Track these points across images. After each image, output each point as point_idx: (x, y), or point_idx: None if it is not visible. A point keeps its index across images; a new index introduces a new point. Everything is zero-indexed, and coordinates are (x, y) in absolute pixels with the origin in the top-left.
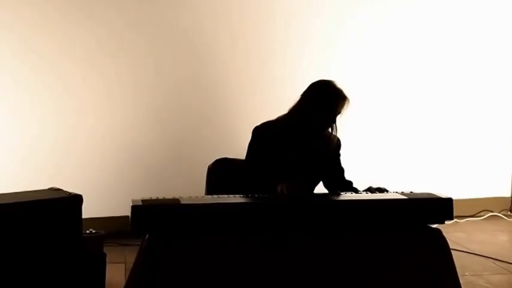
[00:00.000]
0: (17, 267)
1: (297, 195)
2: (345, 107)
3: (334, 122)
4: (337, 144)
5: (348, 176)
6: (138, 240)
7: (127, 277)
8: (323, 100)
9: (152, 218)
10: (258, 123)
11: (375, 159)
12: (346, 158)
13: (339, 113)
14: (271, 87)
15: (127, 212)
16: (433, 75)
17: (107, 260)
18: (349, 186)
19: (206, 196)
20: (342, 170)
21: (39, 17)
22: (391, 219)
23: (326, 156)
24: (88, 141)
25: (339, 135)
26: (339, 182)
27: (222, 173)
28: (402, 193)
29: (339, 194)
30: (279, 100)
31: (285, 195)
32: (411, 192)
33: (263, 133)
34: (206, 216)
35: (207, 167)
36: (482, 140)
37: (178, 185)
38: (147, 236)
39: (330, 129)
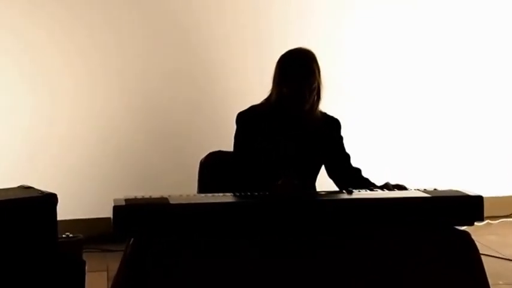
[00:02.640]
0: None
1: (293, 194)
2: (303, 68)
3: (304, 91)
4: (335, 125)
5: (364, 173)
6: (121, 245)
7: (109, 287)
8: (278, 70)
9: (137, 220)
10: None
11: (395, 154)
12: (361, 155)
13: (301, 78)
14: (268, 78)
15: (109, 213)
16: (454, 70)
17: (87, 268)
18: (358, 175)
19: (198, 194)
20: (346, 156)
21: None
22: (411, 221)
23: (323, 139)
24: (65, 133)
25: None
26: (344, 169)
27: (216, 168)
28: (425, 190)
29: (351, 192)
30: None
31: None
32: (435, 189)
33: (248, 118)
34: (199, 217)
35: (199, 161)
36: None
37: (167, 183)
38: (132, 240)
39: (315, 106)
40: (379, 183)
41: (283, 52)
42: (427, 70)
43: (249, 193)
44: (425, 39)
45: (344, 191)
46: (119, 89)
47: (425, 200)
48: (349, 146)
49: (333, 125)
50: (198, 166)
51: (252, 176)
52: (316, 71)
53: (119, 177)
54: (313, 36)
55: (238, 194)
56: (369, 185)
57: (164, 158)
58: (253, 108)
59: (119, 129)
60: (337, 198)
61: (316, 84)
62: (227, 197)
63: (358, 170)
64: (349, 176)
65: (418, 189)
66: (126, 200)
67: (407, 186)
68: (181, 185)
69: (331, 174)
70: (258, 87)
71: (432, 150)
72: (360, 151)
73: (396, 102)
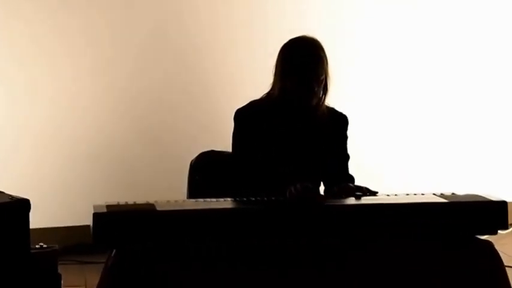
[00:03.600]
0: None
1: (307, 198)
2: (310, 57)
3: (311, 83)
4: (343, 122)
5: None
6: (102, 257)
7: None
8: (281, 61)
9: (120, 229)
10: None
11: (403, 157)
12: (363, 157)
13: (308, 69)
14: (260, 79)
15: (88, 220)
16: (465, 69)
17: (62, 282)
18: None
19: (188, 200)
20: (345, 157)
21: None
22: (428, 230)
23: (328, 136)
24: (41, 133)
25: (344, 111)
26: (339, 172)
27: (208, 169)
28: (442, 195)
29: (359, 197)
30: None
31: (295, 197)
32: (453, 193)
33: (248, 115)
34: (189, 225)
35: (189, 163)
36: None
37: (153, 187)
38: (114, 251)
39: (321, 99)
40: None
41: (275, 51)
42: (436, 69)
43: (254, 198)
44: (430, 39)
45: (352, 197)
46: (102, 88)
47: (443, 206)
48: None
49: (340, 121)
50: (187, 168)
51: (253, 178)
52: (324, 61)
53: (100, 182)
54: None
55: (234, 199)
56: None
57: (150, 160)
58: (253, 104)
59: (101, 129)
60: (345, 204)
61: (324, 75)
62: (222, 203)
63: (352, 178)
64: (342, 180)
65: (434, 194)
66: (107, 206)
67: (415, 191)
68: (169, 190)
69: (323, 174)
70: (249, 90)
71: (447, 151)
72: (362, 153)
73: (404, 103)
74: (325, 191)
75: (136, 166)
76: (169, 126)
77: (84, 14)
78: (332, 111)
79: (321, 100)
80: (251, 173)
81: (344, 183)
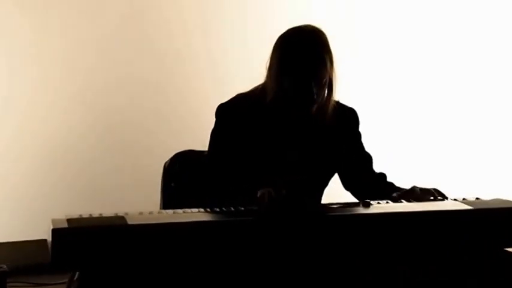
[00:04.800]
0: None
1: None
2: (311, 56)
3: (310, 87)
4: (353, 118)
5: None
6: (62, 278)
7: None
8: (278, 56)
9: (84, 247)
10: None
11: (410, 159)
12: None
13: (308, 71)
14: (238, 73)
15: (45, 234)
16: (475, 70)
17: None
18: (382, 182)
19: (164, 211)
20: (367, 158)
21: None
22: (449, 242)
23: (337, 139)
24: None
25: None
26: (366, 175)
27: (185, 173)
28: (465, 201)
29: (369, 205)
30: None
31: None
32: (477, 199)
33: (232, 110)
34: (166, 241)
35: (162, 165)
36: None
37: (122, 195)
38: (78, 274)
39: (327, 103)
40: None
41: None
42: (441, 70)
43: (234, 208)
44: (431, 41)
45: (360, 204)
46: (60, 84)
47: (467, 213)
48: None
49: (349, 118)
50: (161, 172)
51: (235, 185)
52: (328, 60)
53: (58, 190)
54: None
55: (218, 210)
56: (392, 190)
57: (117, 165)
58: (240, 99)
59: (58, 131)
60: (348, 214)
61: (327, 77)
62: (207, 214)
63: (383, 176)
64: (373, 184)
65: (455, 199)
66: (69, 220)
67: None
68: (140, 199)
69: (348, 184)
70: (229, 79)
71: (452, 151)
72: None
73: (404, 104)
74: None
75: (100, 171)
76: (138, 124)
77: (40, 12)
78: (338, 106)
79: (326, 104)
80: (226, 177)
81: (378, 187)
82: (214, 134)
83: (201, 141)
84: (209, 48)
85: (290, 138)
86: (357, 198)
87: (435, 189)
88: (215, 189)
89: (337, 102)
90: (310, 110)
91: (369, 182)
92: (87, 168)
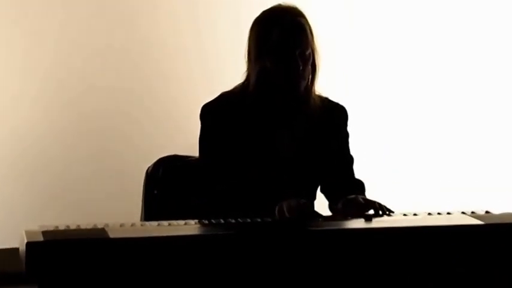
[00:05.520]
0: None
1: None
2: (291, 29)
3: (296, 60)
4: (342, 116)
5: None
6: None
7: None
8: (256, 37)
9: (61, 262)
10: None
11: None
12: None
13: (289, 42)
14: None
15: (16, 243)
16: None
17: None
18: (359, 190)
19: (148, 223)
20: (349, 160)
21: None
22: (458, 260)
23: (324, 134)
24: None
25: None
26: (343, 178)
27: (169, 179)
28: (473, 215)
29: (370, 219)
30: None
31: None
32: (487, 212)
33: (217, 110)
34: (150, 256)
35: (144, 171)
36: None
37: (101, 205)
38: None
39: (311, 82)
40: None
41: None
42: (443, 72)
43: (234, 219)
44: (433, 43)
45: (363, 218)
46: (34, 88)
47: (477, 229)
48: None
49: (338, 115)
50: (142, 180)
51: (227, 190)
52: (308, 31)
53: (33, 199)
54: None
55: (213, 222)
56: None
57: (96, 171)
58: (224, 97)
59: (31, 135)
60: (350, 228)
61: (310, 50)
62: (195, 226)
63: (360, 184)
64: (347, 190)
65: (463, 213)
66: (44, 233)
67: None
68: (121, 208)
69: (323, 183)
70: (209, 89)
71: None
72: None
73: (405, 107)
74: (329, 207)
75: (76, 177)
76: (118, 127)
77: (13, 16)
78: (326, 102)
79: (311, 83)
80: (224, 183)
81: (351, 195)
82: (203, 136)
83: (187, 146)
84: (200, 49)
85: (278, 130)
86: (329, 199)
87: (379, 203)
88: (206, 189)
89: (327, 98)
90: (298, 89)
91: (344, 186)
92: (62, 174)
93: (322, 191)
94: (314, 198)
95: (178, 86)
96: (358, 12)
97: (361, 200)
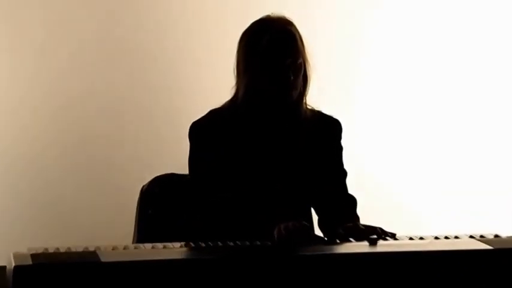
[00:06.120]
0: None
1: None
2: (281, 39)
3: (287, 71)
4: (336, 129)
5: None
6: None
7: None
8: (244, 49)
9: (50, 286)
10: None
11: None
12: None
13: (279, 52)
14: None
15: (4, 261)
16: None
17: None
18: (350, 207)
19: (142, 245)
20: (342, 173)
21: None
22: (466, 285)
23: (317, 148)
24: None
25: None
26: (336, 194)
27: (164, 199)
28: (482, 239)
29: (374, 242)
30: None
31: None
32: (496, 236)
33: (207, 128)
34: (143, 282)
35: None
36: None
37: (92, 225)
38: None
39: (304, 94)
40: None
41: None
42: (443, 73)
43: (230, 242)
44: (435, 42)
45: (366, 241)
46: (21, 95)
47: (487, 254)
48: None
49: (331, 128)
50: (136, 198)
51: (219, 211)
52: (299, 40)
53: (20, 219)
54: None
55: (204, 246)
56: (348, 221)
57: (86, 189)
58: (213, 114)
59: (17, 146)
60: (354, 253)
61: (301, 59)
62: (187, 251)
63: (352, 200)
64: (339, 206)
65: (472, 237)
66: (33, 256)
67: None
68: (112, 228)
69: (314, 197)
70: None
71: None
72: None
73: (407, 113)
74: (319, 223)
75: (65, 194)
76: (112, 141)
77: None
78: (319, 115)
79: (302, 94)
80: (217, 196)
81: (342, 211)
82: (192, 157)
83: (184, 164)
84: (195, 60)
85: (269, 143)
86: (319, 214)
87: (381, 229)
88: (198, 203)
89: (319, 111)
90: (290, 99)
91: (336, 201)
92: (50, 191)
93: (312, 205)
94: (310, 213)
95: (181, 100)
96: (358, 12)
97: (362, 227)
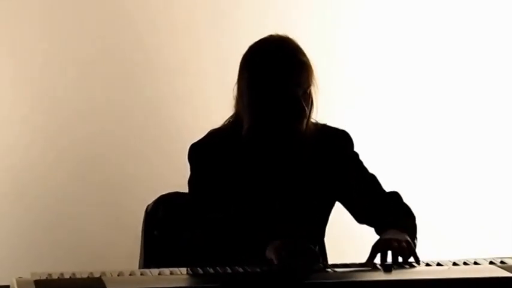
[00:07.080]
0: None
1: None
2: (289, 63)
3: (297, 98)
4: (346, 141)
5: None
6: None
7: None
8: (248, 73)
9: None
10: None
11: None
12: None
13: (289, 82)
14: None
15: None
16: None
17: None
18: (397, 204)
19: (147, 271)
20: (372, 180)
21: None
22: None
23: (330, 167)
24: None
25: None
26: (378, 200)
27: (170, 219)
28: (503, 265)
29: (390, 269)
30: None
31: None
32: None
33: (207, 150)
34: None
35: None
36: None
37: (97, 248)
38: None
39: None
40: None
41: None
42: (443, 74)
43: (240, 268)
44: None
45: (379, 267)
46: (21, 113)
47: (508, 282)
48: None
49: (338, 141)
50: (141, 219)
51: (223, 221)
52: (308, 68)
53: (22, 244)
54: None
55: (213, 272)
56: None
57: (90, 209)
58: (213, 136)
59: (19, 165)
60: (367, 281)
61: (310, 86)
62: (195, 278)
63: (395, 195)
64: (384, 206)
65: (492, 262)
66: (36, 282)
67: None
68: (117, 249)
69: (358, 214)
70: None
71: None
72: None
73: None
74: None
75: (72, 218)
76: (115, 160)
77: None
78: (324, 129)
79: (308, 117)
80: (217, 212)
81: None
82: (192, 180)
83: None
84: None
85: (271, 165)
86: (373, 226)
87: (409, 245)
88: (198, 220)
89: (324, 125)
90: (300, 126)
91: (379, 205)
92: (55, 216)
93: (360, 220)
94: (319, 233)
95: (184, 116)
96: (357, 13)
97: (385, 238)
